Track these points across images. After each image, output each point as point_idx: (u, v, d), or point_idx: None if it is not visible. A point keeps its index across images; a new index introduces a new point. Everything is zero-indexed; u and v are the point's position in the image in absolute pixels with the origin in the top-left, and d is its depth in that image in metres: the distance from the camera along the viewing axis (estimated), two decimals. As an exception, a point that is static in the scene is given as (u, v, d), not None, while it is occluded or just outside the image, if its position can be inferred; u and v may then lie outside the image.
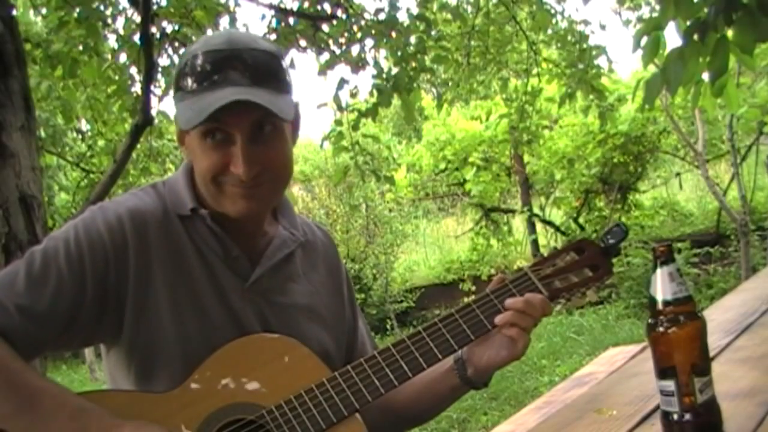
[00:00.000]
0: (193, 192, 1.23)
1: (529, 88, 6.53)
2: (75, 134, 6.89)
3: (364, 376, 1.16)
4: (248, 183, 1.14)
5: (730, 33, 2.32)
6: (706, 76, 2.49)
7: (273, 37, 4.49)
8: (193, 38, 4.05)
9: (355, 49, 4.57)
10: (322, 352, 1.22)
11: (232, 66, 1.12)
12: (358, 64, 4.52)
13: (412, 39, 4.55)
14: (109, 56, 4.61)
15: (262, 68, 1.14)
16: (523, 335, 1.20)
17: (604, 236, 1.26)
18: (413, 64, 4.47)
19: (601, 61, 5.52)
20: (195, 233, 1.22)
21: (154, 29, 3.95)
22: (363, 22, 4.56)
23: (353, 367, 1.17)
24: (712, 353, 1.19)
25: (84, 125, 6.29)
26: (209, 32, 4.06)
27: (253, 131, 1.14)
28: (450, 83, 6.77)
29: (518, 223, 11.54)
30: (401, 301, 10.75)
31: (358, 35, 4.59)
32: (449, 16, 5.65)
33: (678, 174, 11.09)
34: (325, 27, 4.61)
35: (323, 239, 1.40)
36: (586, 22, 5.67)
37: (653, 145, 9.88)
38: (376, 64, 4.55)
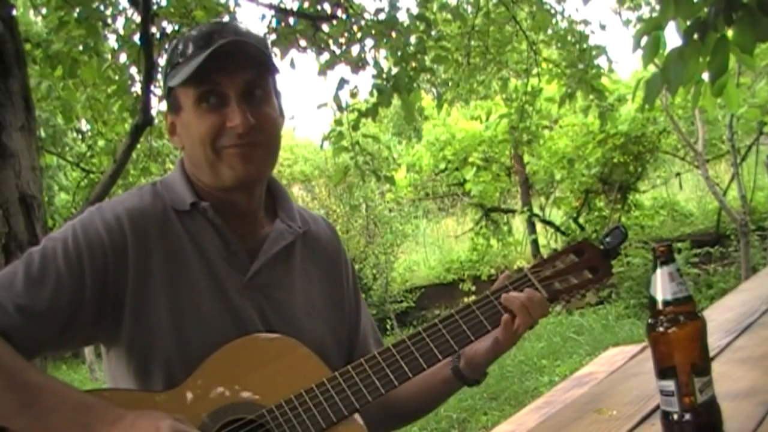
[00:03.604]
0: (191, 187, 1.23)
1: (529, 88, 6.52)
2: (75, 134, 6.89)
3: (365, 376, 1.16)
4: (245, 139, 1.17)
5: (730, 33, 2.32)
6: (706, 76, 2.49)
7: (273, 37, 4.49)
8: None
9: (355, 49, 4.58)
10: (321, 347, 1.22)
11: (222, 35, 1.17)
12: (358, 64, 4.52)
13: (412, 39, 4.55)
14: (109, 56, 4.61)
15: (252, 37, 1.20)
16: (516, 329, 1.20)
17: (604, 238, 1.26)
18: (413, 64, 4.47)
19: (601, 61, 5.53)
20: (194, 229, 1.22)
21: (154, 29, 3.95)
22: (363, 22, 4.56)
23: (353, 367, 1.17)
24: (712, 353, 1.19)
25: (84, 125, 6.29)
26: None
27: (246, 92, 1.18)
28: (450, 83, 6.77)
29: (518, 223, 11.53)
30: (401, 301, 10.74)
31: (358, 35, 4.59)
32: (449, 16, 5.65)
33: (678, 174, 11.09)
34: (325, 27, 4.61)
35: (326, 231, 1.39)
36: (586, 22, 5.68)
37: (653, 145, 9.87)
38: (376, 64, 4.55)
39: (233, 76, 1.16)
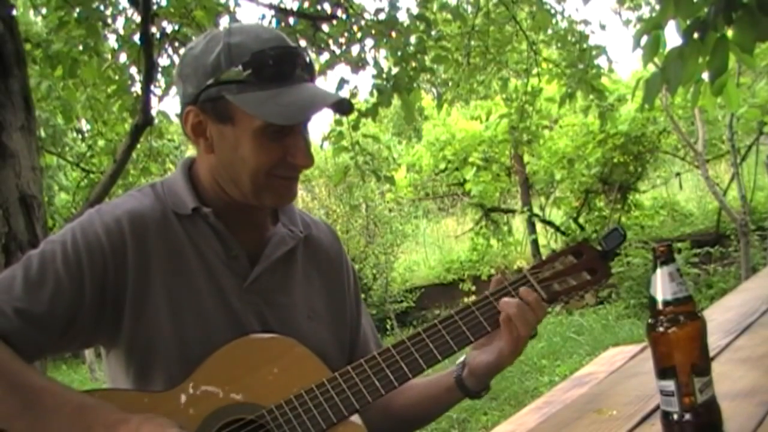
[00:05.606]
0: (194, 191, 1.22)
1: (529, 88, 6.53)
2: (75, 134, 6.89)
3: (364, 377, 1.16)
4: (300, 172, 1.19)
5: (729, 32, 2.32)
6: (706, 76, 2.49)
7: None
8: (193, 38, 4.05)
9: (355, 49, 4.57)
10: (322, 352, 1.22)
11: (296, 63, 1.15)
12: (358, 64, 4.52)
13: (412, 39, 4.55)
14: (109, 56, 4.62)
15: (311, 66, 1.19)
16: (517, 337, 1.19)
17: (603, 240, 1.26)
18: (413, 64, 4.46)
19: (601, 61, 5.53)
20: (195, 233, 1.21)
21: (154, 29, 3.95)
22: (363, 22, 4.56)
23: (353, 368, 1.17)
24: (712, 353, 1.19)
25: (84, 125, 6.29)
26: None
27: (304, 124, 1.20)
28: (450, 83, 6.77)
29: (518, 223, 11.53)
30: (401, 301, 10.74)
31: (358, 35, 4.59)
32: (449, 16, 5.65)
33: (678, 174, 11.09)
34: (325, 27, 4.61)
35: (328, 235, 1.39)
36: (586, 22, 5.68)
37: (653, 145, 9.87)
38: (376, 64, 4.55)
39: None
